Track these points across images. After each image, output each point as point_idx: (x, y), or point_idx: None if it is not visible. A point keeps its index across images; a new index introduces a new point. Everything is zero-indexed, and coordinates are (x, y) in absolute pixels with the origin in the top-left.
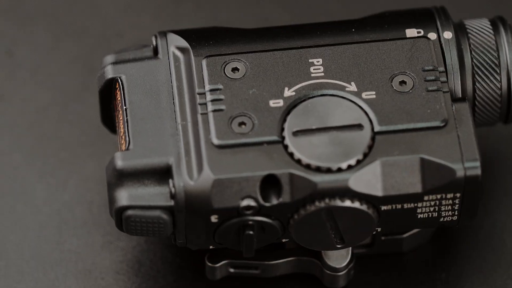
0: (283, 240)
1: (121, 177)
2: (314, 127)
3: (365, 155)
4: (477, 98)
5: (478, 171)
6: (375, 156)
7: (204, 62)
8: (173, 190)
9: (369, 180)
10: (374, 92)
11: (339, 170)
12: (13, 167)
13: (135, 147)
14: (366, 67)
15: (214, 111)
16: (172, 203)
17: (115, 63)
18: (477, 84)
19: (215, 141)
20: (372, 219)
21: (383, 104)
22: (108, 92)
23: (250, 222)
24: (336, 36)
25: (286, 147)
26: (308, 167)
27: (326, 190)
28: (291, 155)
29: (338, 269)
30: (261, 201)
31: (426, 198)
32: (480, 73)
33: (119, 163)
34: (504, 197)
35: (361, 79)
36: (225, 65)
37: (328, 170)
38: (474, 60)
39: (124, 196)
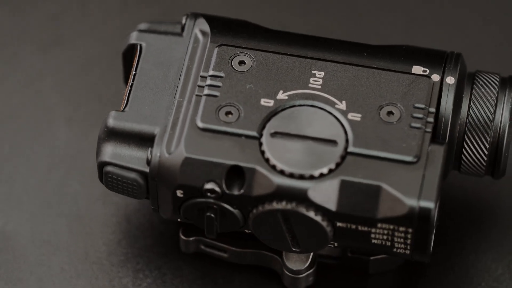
0: (246, 231)
1: (109, 134)
2: (292, 132)
3: (330, 171)
4: (465, 146)
5: (432, 212)
6: (339, 174)
7: (216, 49)
8: (149, 157)
9: (327, 194)
10: (360, 115)
11: (301, 177)
12: (46, 107)
13: (130, 110)
14: (362, 90)
15: (208, 95)
16: (147, 169)
17: (142, 30)
18: (467, 133)
19: (199, 123)
20: (326, 232)
21: (364, 128)
22: (130, 56)
23: (212, 205)
24: (346, 55)
25: (260, 144)
26: (273, 167)
27: (285, 194)
28: (262, 153)
29: (295, 271)
30: (224, 188)
31: (379, 225)
32: (473, 123)
33: (111, 121)
34: (475, 235)
35: (353, 100)
36: (234, 57)
37: (291, 175)
38: (471, 110)
39: (108, 152)
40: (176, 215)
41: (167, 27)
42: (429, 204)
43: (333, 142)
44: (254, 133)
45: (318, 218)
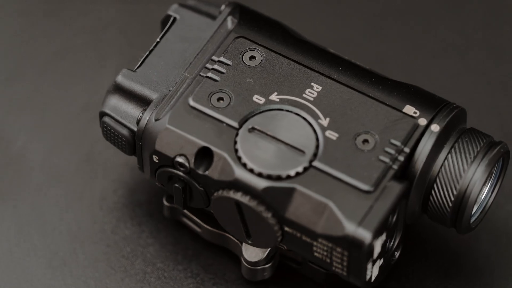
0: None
1: (115, 88)
2: (268, 132)
3: (288, 177)
4: (432, 193)
5: (366, 241)
6: (295, 182)
7: (235, 40)
8: (139, 118)
9: (278, 197)
10: (337, 135)
11: (259, 174)
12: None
13: (140, 72)
14: (349, 113)
15: (209, 78)
16: (133, 130)
17: (182, 5)
18: (437, 180)
19: (190, 101)
20: (273, 232)
21: (336, 148)
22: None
23: (180, 178)
24: (349, 78)
25: (236, 135)
26: (239, 159)
27: (242, 186)
28: (235, 143)
29: (250, 262)
30: (192, 165)
31: (319, 240)
32: (444, 173)
33: (120, 77)
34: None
35: (336, 119)
36: (247, 51)
37: (251, 170)
38: (447, 161)
39: (110, 104)
40: (153, 178)
41: (207, 8)
42: (366, 234)
43: (301, 152)
44: (235, 124)
45: (267, 217)
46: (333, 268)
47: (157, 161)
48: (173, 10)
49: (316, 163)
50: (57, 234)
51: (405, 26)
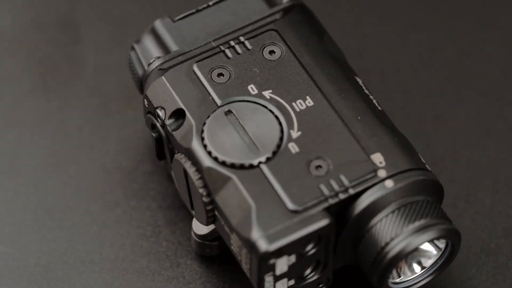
0: None
1: (151, 30)
2: (240, 121)
3: (232, 165)
4: (359, 246)
5: (261, 251)
6: (234, 174)
7: (268, 31)
8: (149, 63)
9: (217, 180)
10: (298, 150)
11: (209, 153)
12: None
13: (177, 24)
14: (321, 137)
15: (224, 53)
16: (145, 70)
17: None
18: (367, 235)
19: (194, 66)
20: (205, 211)
21: (289, 161)
22: None
23: (156, 128)
24: (344, 106)
25: (213, 111)
26: (201, 132)
27: (193, 156)
28: (207, 117)
29: (194, 233)
30: (166, 120)
31: (234, 234)
32: (375, 230)
33: (158, 22)
34: None
35: (306, 136)
36: (271, 45)
37: (204, 146)
38: (385, 219)
39: (141, 41)
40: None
41: None
42: (265, 246)
43: (257, 150)
44: (219, 101)
45: (203, 194)
46: (243, 266)
47: (146, 105)
48: None
49: (263, 166)
50: None
51: None
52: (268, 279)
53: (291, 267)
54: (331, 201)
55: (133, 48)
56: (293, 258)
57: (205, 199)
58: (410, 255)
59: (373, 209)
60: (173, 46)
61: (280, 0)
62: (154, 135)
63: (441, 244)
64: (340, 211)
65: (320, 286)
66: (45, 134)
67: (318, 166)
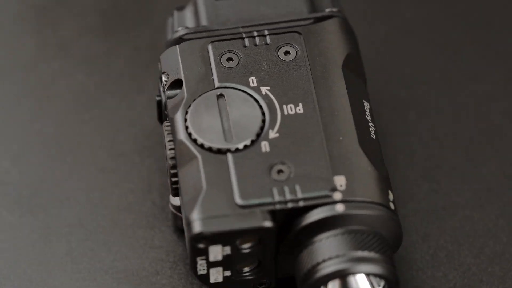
0: None
1: (193, 2)
2: (227, 107)
3: (201, 146)
4: (302, 251)
5: (192, 233)
6: (201, 153)
7: (292, 33)
8: (177, 30)
9: (183, 155)
10: (268, 151)
11: (186, 128)
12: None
13: (218, 3)
14: (295, 145)
15: (241, 40)
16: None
17: None
18: (302, 252)
19: (209, 45)
20: (171, 179)
21: (255, 157)
22: None
23: (160, 91)
24: (332, 124)
25: (206, 92)
26: (188, 106)
27: (173, 127)
28: (198, 96)
29: (170, 203)
30: (165, 86)
31: (183, 210)
32: (310, 250)
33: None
34: None
35: (282, 140)
36: (290, 45)
37: (184, 120)
38: (324, 241)
39: (183, 10)
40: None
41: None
42: (199, 228)
43: (231, 138)
44: (217, 83)
45: (170, 164)
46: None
47: (159, 68)
48: None
49: (229, 155)
50: None
51: None
52: (201, 262)
53: (226, 258)
54: (278, 207)
55: (172, 14)
56: (228, 250)
57: (171, 170)
58: (343, 280)
59: (318, 227)
60: (204, 21)
61: (323, 8)
62: (157, 98)
63: (377, 285)
64: (287, 220)
65: (261, 287)
66: None
67: (280, 171)
